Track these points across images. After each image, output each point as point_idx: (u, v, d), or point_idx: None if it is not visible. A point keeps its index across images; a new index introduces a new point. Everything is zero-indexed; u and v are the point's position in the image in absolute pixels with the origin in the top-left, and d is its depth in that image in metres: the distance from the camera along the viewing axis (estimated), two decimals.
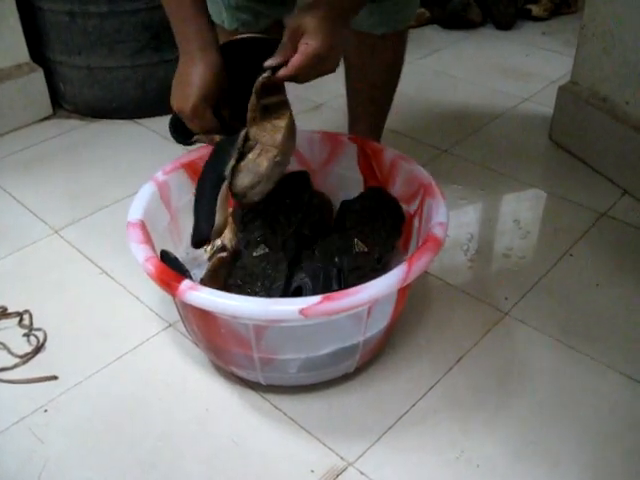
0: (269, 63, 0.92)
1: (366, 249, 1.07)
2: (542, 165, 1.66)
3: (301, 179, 1.18)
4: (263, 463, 0.94)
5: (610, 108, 1.52)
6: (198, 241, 0.94)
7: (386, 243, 1.12)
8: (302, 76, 0.92)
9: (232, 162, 0.94)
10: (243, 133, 0.96)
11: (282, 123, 0.98)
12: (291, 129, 0.99)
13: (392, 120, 1.44)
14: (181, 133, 1.03)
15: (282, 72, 0.91)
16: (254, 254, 1.06)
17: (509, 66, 2.16)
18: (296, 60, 0.90)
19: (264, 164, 0.95)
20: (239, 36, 1.02)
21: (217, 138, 0.99)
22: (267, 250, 1.05)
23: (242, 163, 0.95)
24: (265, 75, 0.92)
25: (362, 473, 0.93)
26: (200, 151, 1.20)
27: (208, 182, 0.96)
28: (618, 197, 1.48)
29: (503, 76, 2.09)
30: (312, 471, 0.93)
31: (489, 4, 2.45)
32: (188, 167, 1.18)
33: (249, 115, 0.96)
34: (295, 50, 0.90)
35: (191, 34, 0.98)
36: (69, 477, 0.93)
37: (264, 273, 1.03)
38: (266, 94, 0.96)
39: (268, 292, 1.01)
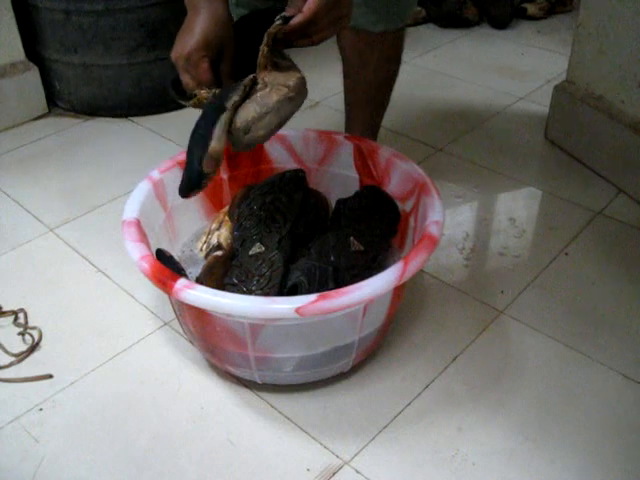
0: (282, 14, 0.88)
1: (362, 248, 1.07)
2: (538, 164, 1.66)
3: (297, 178, 1.18)
4: (258, 462, 0.94)
5: (605, 107, 1.52)
6: (187, 180, 0.87)
7: (382, 241, 1.12)
8: (318, 24, 0.88)
9: (235, 97, 0.87)
10: (250, 76, 0.90)
11: (295, 75, 0.93)
12: (303, 82, 0.93)
13: (388, 119, 1.44)
14: (181, 92, 0.96)
15: (296, 19, 0.87)
16: (250, 253, 1.06)
17: (505, 65, 2.16)
18: (310, 4, 0.86)
19: (274, 97, 0.88)
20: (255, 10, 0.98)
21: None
22: (263, 249, 1.05)
23: (247, 101, 0.89)
24: (277, 23, 0.88)
25: (358, 472, 0.93)
26: None
27: (205, 118, 0.88)
28: (613, 196, 1.49)
29: (499, 75, 2.09)
30: (308, 469, 0.93)
31: (485, 3, 2.45)
32: (184, 165, 1.17)
33: (260, 61, 0.91)
34: (304, 2, 0.87)
35: None
36: (64, 476, 0.93)
37: (260, 272, 1.03)
38: (278, 52, 0.92)
39: (264, 291, 1.01)
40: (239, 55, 0.97)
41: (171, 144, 1.70)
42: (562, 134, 1.67)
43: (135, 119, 1.84)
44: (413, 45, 2.23)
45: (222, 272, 1.07)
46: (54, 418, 1.01)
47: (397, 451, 0.95)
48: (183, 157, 1.16)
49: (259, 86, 0.90)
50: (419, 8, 2.43)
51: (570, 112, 1.62)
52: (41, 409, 1.02)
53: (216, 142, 0.85)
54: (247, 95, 0.89)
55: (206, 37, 0.92)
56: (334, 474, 0.92)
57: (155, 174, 1.13)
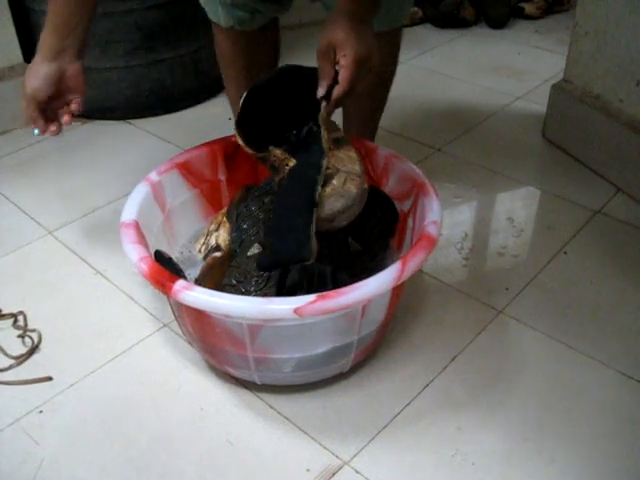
0: (320, 93, 0.94)
1: (360, 248, 1.07)
2: (536, 163, 1.66)
3: None
4: (258, 462, 0.94)
5: (603, 106, 1.52)
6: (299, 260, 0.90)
7: (380, 241, 1.12)
8: (355, 85, 0.93)
9: (319, 188, 0.93)
10: (325, 162, 0.96)
11: (354, 154, 1.00)
12: (362, 163, 1.01)
13: (385, 119, 1.44)
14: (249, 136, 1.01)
15: (337, 92, 0.93)
16: (248, 254, 1.06)
17: (502, 65, 2.16)
18: (344, 74, 0.91)
19: (353, 190, 0.95)
20: (272, 71, 1.04)
21: None
22: (261, 249, 1.05)
23: (328, 189, 0.95)
24: (324, 105, 0.94)
25: (357, 472, 0.93)
26: (192, 152, 1.20)
27: (294, 207, 0.93)
28: (612, 195, 1.49)
29: (496, 75, 2.10)
30: (307, 470, 0.93)
31: (482, 3, 2.45)
32: (182, 167, 1.18)
33: (325, 146, 0.97)
34: (333, 68, 0.92)
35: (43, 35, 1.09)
36: (64, 477, 0.93)
37: (258, 272, 1.03)
38: (331, 125, 0.99)
39: (262, 291, 1.01)
40: (277, 116, 1.02)
41: (169, 146, 1.70)
42: (560, 133, 1.67)
43: (133, 121, 1.84)
44: (410, 45, 2.23)
45: (221, 273, 1.07)
46: (54, 420, 1.01)
47: (397, 451, 0.96)
48: (181, 159, 1.18)
49: (330, 171, 0.96)
50: (416, 8, 2.43)
51: (568, 111, 1.62)
52: (41, 411, 1.02)
53: (313, 240, 0.90)
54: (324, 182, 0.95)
55: (33, 89, 1.14)
56: (334, 474, 0.92)
57: (153, 176, 1.13)
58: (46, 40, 1.09)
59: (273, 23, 1.33)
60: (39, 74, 1.11)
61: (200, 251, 1.18)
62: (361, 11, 0.94)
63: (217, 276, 1.07)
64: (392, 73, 1.36)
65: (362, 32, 0.92)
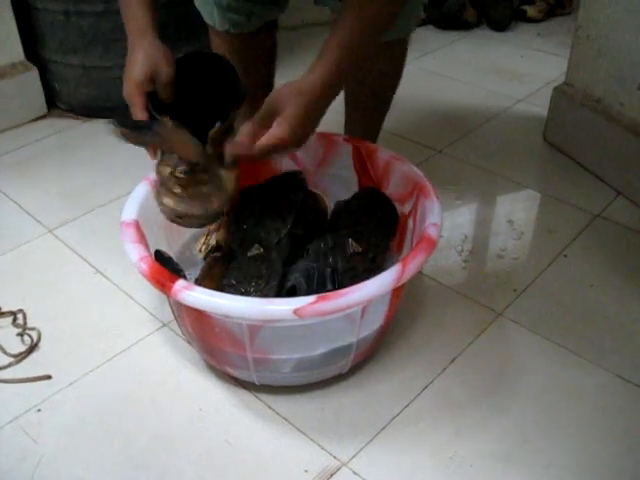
0: (243, 131, 0.92)
1: (360, 249, 1.07)
2: (536, 166, 1.66)
3: (295, 179, 1.18)
4: (256, 463, 0.94)
5: (604, 109, 1.52)
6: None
7: (380, 243, 1.12)
8: (261, 156, 0.92)
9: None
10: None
11: (233, 177, 0.98)
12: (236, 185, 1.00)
13: (386, 120, 1.44)
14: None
15: (243, 149, 0.91)
16: (248, 254, 1.06)
17: (504, 67, 2.16)
18: (262, 144, 0.90)
19: (214, 205, 0.95)
20: (194, 52, 1.03)
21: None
22: (261, 250, 1.05)
23: (192, 190, 0.94)
24: (217, 129, 0.95)
25: (355, 473, 0.93)
26: None
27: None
28: (612, 198, 1.49)
29: (498, 77, 2.10)
30: (305, 471, 0.93)
31: (484, 5, 2.45)
32: None
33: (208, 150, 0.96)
34: (265, 126, 0.91)
35: (129, 20, 1.00)
36: (63, 476, 0.93)
37: (258, 273, 1.03)
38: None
39: (262, 292, 1.01)
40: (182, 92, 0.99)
41: None
42: (561, 136, 1.67)
43: None
44: (412, 47, 2.20)
45: (221, 273, 1.07)
46: (53, 419, 1.01)
47: (395, 453, 0.96)
48: None
49: (202, 176, 0.97)
50: None
51: (569, 114, 1.62)
52: (40, 410, 1.02)
53: None
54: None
55: (138, 74, 0.96)
56: (332, 475, 0.92)
57: (154, 175, 1.13)
58: (146, 16, 0.99)
59: (270, 25, 1.31)
60: (159, 51, 0.98)
61: (200, 251, 1.18)
62: (327, 92, 0.92)
63: (217, 276, 1.07)
64: (398, 79, 1.35)
65: (307, 121, 0.91)
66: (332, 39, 0.92)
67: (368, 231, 1.11)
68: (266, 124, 0.91)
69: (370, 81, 1.31)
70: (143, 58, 0.96)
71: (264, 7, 1.23)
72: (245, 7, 1.21)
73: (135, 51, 0.98)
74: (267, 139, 0.90)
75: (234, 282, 1.03)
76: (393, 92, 1.37)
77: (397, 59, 1.32)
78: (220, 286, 1.04)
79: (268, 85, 1.42)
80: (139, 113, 0.95)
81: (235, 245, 1.10)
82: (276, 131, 0.90)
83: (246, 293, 1.01)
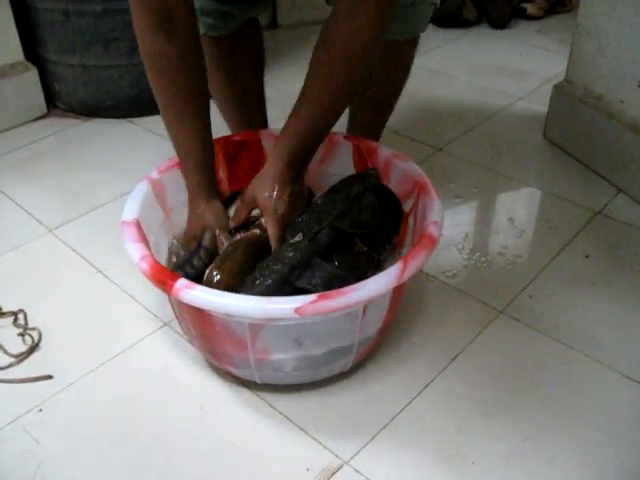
0: (231, 225, 1.08)
1: (365, 248, 1.05)
2: (537, 163, 1.66)
3: (365, 176, 1.13)
4: (258, 462, 0.94)
5: (604, 107, 1.52)
6: None
7: (385, 241, 1.10)
8: (283, 233, 1.03)
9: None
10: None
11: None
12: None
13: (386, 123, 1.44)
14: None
15: (273, 245, 1.02)
16: (290, 241, 1.01)
17: (504, 65, 2.16)
18: (269, 232, 1.02)
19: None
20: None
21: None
22: (301, 238, 1.00)
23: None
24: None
25: (357, 471, 0.93)
26: None
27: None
28: (613, 196, 1.49)
29: (498, 75, 2.09)
30: (307, 469, 0.93)
31: (484, 3, 2.45)
32: (182, 166, 1.17)
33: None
34: (248, 215, 1.06)
35: (187, 178, 1.10)
36: (64, 476, 0.93)
37: (283, 258, 0.98)
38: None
39: (267, 276, 0.97)
40: None
41: (170, 144, 1.69)
42: (561, 134, 1.67)
43: (134, 120, 1.84)
44: None
45: (242, 259, 1.04)
46: (54, 419, 1.01)
47: (397, 451, 0.95)
48: None
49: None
50: None
51: (569, 112, 1.62)
52: (41, 410, 1.02)
53: None
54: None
55: (190, 232, 1.10)
56: (334, 474, 0.92)
57: (154, 174, 1.13)
58: (207, 178, 1.09)
59: (251, 24, 1.29)
60: (220, 211, 1.10)
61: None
62: (290, 170, 1.02)
63: (238, 260, 1.03)
64: (403, 81, 1.34)
65: (285, 187, 1.02)
66: (294, 111, 1.00)
67: (374, 230, 1.08)
68: (244, 215, 1.07)
69: (377, 84, 1.30)
70: (196, 219, 1.09)
71: (239, 7, 1.22)
72: (220, 9, 1.20)
73: (191, 210, 1.10)
74: (272, 241, 1.02)
75: (264, 264, 0.99)
76: (398, 94, 1.35)
77: (405, 59, 1.30)
78: (237, 272, 1.02)
79: (257, 94, 1.41)
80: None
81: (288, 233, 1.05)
82: (270, 230, 1.02)
83: (262, 277, 0.98)
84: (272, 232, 1.02)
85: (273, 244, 1.02)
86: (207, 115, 1.09)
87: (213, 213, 1.08)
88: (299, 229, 1.02)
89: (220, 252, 1.06)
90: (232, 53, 1.30)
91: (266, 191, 1.01)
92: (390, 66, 1.27)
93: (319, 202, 1.06)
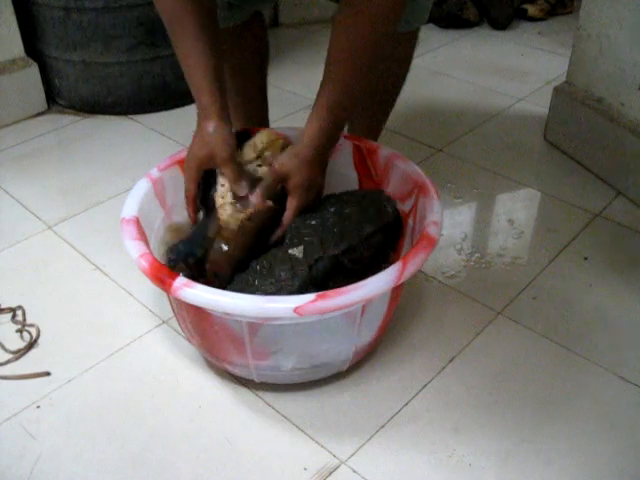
0: (259, 197, 1.03)
1: (357, 267, 1.04)
2: (537, 165, 1.66)
3: (384, 210, 1.09)
4: (255, 460, 0.94)
5: (605, 109, 1.52)
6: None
7: (380, 260, 1.08)
8: (303, 206, 1.04)
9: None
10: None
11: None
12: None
13: (388, 119, 1.44)
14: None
15: (286, 219, 1.03)
16: (290, 251, 1.00)
17: (505, 66, 2.16)
18: (289, 216, 1.03)
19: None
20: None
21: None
22: (301, 256, 0.99)
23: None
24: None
25: (355, 471, 0.93)
26: None
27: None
28: (612, 198, 1.49)
29: (499, 76, 2.09)
30: (305, 469, 0.93)
31: (485, 4, 2.45)
32: (183, 164, 1.17)
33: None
34: (276, 186, 1.03)
35: (197, 98, 1.04)
36: (61, 473, 0.93)
37: (278, 276, 0.97)
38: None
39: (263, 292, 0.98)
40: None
41: (170, 142, 1.70)
42: (561, 136, 1.67)
43: (134, 117, 1.84)
44: None
45: (251, 241, 1.03)
46: (51, 415, 1.01)
47: (394, 451, 0.96)
48: (182, 155, 1.17)
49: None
50: None
51: (569, 114, 1.62)
52: (38, 406, 1.02)
53: None
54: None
55: (196, 155, 1.04)
56: (331, 473, 0.92)
57: (154, 172, 1.13)
58: (213, 101, 1.03)
59: (255, 18, 1.30)
60: (230, 138, 1.03)
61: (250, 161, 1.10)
62: (324, 147, 1.02)
63: (247, 242, 1.03)
64: (404, 76, 1.34)
65: (314, 179, 1.02)
66: (322, 90, 1.00)
67: (366, 250, 1.07)
68: (273, 190, 1.03)
69: (378, 79, 1.30)
70: (202, 141, 1.02)
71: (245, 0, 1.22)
72: (224, 1, 1.20)
73: (198, 133, 1.04)
74: (290, 212, 1.02)
75: (258, 268, 0.99)
76: (399, 89, 1.36)
77: (407, 52, 1.31)
78: (243, 255, 1.02)
79: (259, 89, 1.42)
80: (190, 185, 1.05)
81: (288, 232, 1.04)
82: (292, 203, 1.02)
83: (254, 286, 0.98)
84: (288, 216, 1.03)
85: (284, 224, 1.03)
86: (217, 35, 1.05)
87: (222, 138, 1.02)
88: (299, 240, 1.01)
89: (218, 192, 1.03)
90: (237, 48, 1.31)
91: (302, 176, 1.01)
92: (391, 59, 1.27)
93: (329, 210, 1.06)
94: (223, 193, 1.04)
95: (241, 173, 1.03)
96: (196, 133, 1.04)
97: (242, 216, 1.01)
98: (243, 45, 1.32)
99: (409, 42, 1.29)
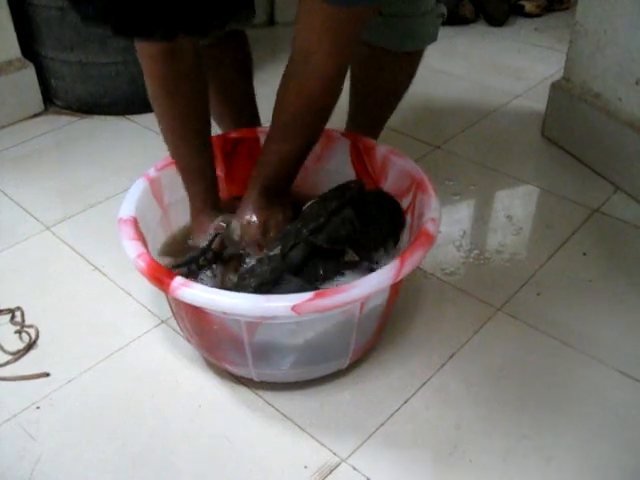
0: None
1: (357, 258, 1.04)
2: (535, 161, 1.66)
3: (345, 187, 1.09)
4: (256, 459, 0.94)
5: (603, 105, 1.52)
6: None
7: (380, 245, 1.08)
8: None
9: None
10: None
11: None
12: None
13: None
14: None
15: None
16: (270, 253, 1.01)
17: (502, 62, 2.16)
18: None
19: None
20: None
21: None
22: (278, 252, 1.00)
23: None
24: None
25: (355, 469, 0.93)
26: None
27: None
28: (611, 193, 1.49)
29: (496, 72, 2.09)
30: (305, 467, 0.93)
31: (482, 1, 2.45)
32: None
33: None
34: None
35: (189, 192, 1.11)
36: (61, 474, 0.93)
37: (253, 270, 0.99)
38: None
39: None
40: None
41: None
42: (559, 132, 1.67)
43: (132, 117, 1.84)
44: None
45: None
46: (51, 416, 1.01)
47: (394, 448, 0.95)
48: None
49: None
50: None
51: (567, 109, 1.62)
52: (38, 407, 1.02)
53: None
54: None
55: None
56: (331, 471, 0.92)
57: (152, 172, 1.13)
58: (210, 195, 1.11)
59: (233, 35, 1.29)
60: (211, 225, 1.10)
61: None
62: (265, 196, 1.06)
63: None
64: (405, 89, 1.33)
65: (258, 214, 1.06)
66: (268, 136, 1.04)
67: (370, 240, 1.07)
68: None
69: (379, 92, 1.30)
70: (201, 237, 1.10)
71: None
72: None
73: (195, 228, 1.12)
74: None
75: (243, 273, 1.01)
76: (399, 99, 1.35)
77: (412, 68, 1.30)
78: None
79: (245, 101, 1.41)
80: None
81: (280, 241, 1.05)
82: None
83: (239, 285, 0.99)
84: (257, 257, 1.06)
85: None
86: (208, 133, 1.10)
87: (199, 228, 1.11)
88: (279, 242, 1.02)
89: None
90: (219, 64, 1.29)
91: (243, 218, 1.07)
92: (393, 76, 1.27)
93: (307, 211, 1.06)
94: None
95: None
96: (194, 228, 1.13)
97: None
98: (224, 61, 1.30)
99: (415, 60, 1.28)
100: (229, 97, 1.36)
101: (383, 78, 1.27)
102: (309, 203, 1.09)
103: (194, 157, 1.08)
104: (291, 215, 1.11)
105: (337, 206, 1.03)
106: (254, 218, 1.07)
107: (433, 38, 1.26)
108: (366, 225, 1.06)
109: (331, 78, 0.95)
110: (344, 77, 0.98)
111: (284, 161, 1.05)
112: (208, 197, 1.11)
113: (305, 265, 0.99)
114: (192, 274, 1.04)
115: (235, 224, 1.08)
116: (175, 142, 1.08)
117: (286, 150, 1.03)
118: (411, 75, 1.32)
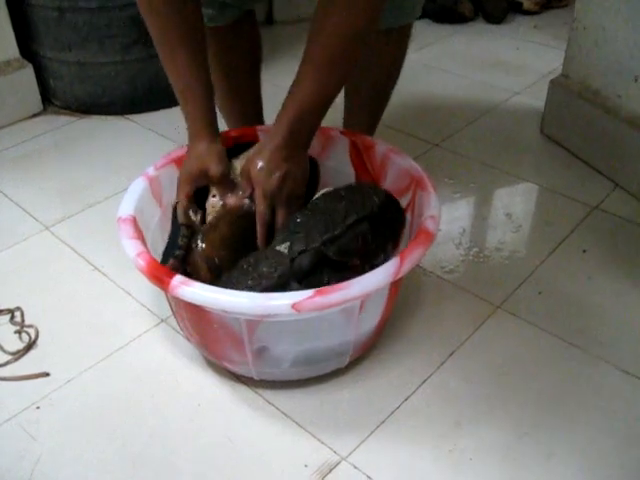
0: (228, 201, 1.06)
1: (358, 262, 1.03)
2: (534, 159, 1.66)
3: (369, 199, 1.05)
4: (256, 458, 0.94)
5: (602, 102, 1.52)
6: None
7: (381, 250, 1.08)
8: (269, 208, 1.01)
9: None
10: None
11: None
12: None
13: (384, 114, 1.44)
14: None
15: (260, 230, 1.02)
16: (276, 247, 0.99)
17: (500, 60, 2.16)
18: (257, 208, 1.01)
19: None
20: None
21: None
22: (286, 251, 0.97)
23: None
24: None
25: (355, 467, 0.93)
26: None
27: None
28: (610, 190, 1.49)
29: (494, 70, 2.09)
30: (305, 465, 0.93)
31: None
32: (179, 162, 1.17)
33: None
34: (250, 187, 1.02)
35: (187, 118, 1.07)
36: (62, 474, 0.93)
37: (260, 271, 0.96)
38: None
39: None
40: None
41: (166, 141, 1.69)
42: (558, 129, 1.66)
43: (130, 116, 1.84)
44: None
45: (226, 231, 1.04)
46: (51, 416, 1.01)
47: (395, 446, 0.95)
48: (178, 154, 1.17)
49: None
50: None
51: (566, 107, 1.62)
52: (38, 407, 1.02)
53: None
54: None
55: (189, 171, 1.06)
56: (332, 470, 0.92)
57: (151, 171, 1.13)
58: (203, 119, 1.05)
59: (248, 16, 1.30)
60: (222, 155, 1.06)
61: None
62: (289, 147, 0.99)
63: (222, 233, 1.04)
64: (398, 70, 1.34)
65: (279, 164, 0.98)
66: (295, 83, 0.99)
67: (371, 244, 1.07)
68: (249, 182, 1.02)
69: (373, 75, 1.30)
70: (195, 158, 1.05)
71: None
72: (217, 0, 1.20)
73: (191, 149, 1.06)
74: (257, 200, 1.01)
75: (245, 266, 0.98)
76: (394, 83, 1.36)
77: (400, 48, 1.31)
78: (223, 245, 1.03)
79: (253, 89, 1.41)
80: (182, 198, 1.07)
81: (279, 231, 1.04)
82: (256, 190, 1.00)
83: (237, 283, 0.98)
84: (259, 210, 1.01)
85: (258, 222, 1.02)
86: (204, 50, 1.06)
87: (216, 157, 1.04)
88: (287, 237, 0.99)
89: (210, 201, 1.06)
90: (229, 48, 1.30)
91: (260, 165, 0.99)
92: (385, 53, 1.27)
93: (319, 205, 1.03)
94: (214, 203, 1.06)
95: (233, 188, 1.05)
96: (189, 151, 1.06)
97: (214, 213, 1.04)
98: (235, 45, 1.31)
99: (401, 37, 1.29)
100: (234, 83, 1.37)
101: (377, 60, 1.27)
102: (320, 193, 1.08)
103: (193, 70, 1.04)
104: (307, 178, 1.06)
105: (355, 220, 1.01)
106: (275, 169, 0.98)
107: (417, 13, 1.26)
108: (375, 237, 1.05)
109: (377, 5, 0.93)
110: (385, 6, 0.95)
111: (314, 104, 0.98)
112: (205, 116, 1.05)
113: (313, 274, 0.98)
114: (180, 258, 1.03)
115: (246, 165, 1.01)
116: (173, 53, 1.06)
117: (318, 91, 0.97)
118: (403, 52, 1.32)
